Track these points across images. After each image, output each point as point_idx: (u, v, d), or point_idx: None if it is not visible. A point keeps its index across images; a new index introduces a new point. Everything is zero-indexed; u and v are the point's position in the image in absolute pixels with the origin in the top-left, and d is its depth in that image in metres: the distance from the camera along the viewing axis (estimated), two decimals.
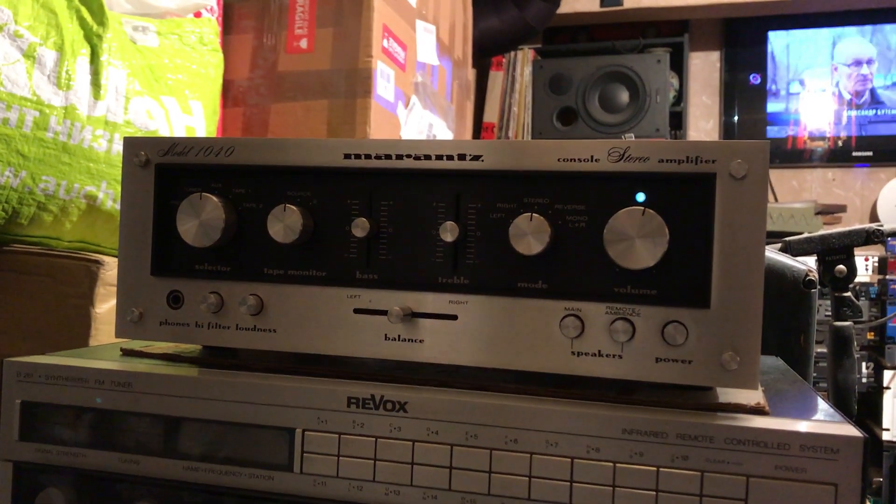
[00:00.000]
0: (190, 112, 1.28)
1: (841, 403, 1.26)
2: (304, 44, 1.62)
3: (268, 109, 1.64)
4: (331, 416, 0.54)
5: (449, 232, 0.55)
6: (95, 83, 1.12)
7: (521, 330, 0.55)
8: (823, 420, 0.50)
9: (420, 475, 0.52)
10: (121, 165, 1.15)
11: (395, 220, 0.58)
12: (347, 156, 0.58)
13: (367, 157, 0.58)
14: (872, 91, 3.42)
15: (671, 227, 0.52)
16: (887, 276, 2.28)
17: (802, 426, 0.48)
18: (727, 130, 3.64)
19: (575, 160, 0.54)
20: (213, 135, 1.36)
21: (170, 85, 1.25)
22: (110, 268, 1.09)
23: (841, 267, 1.27)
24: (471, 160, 0.56)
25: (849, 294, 1.28)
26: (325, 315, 0.59)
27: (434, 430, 0.53)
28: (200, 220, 0.59)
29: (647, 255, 0.51)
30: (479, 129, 3.23)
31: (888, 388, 2.21)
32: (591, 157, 0.54)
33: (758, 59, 3.62)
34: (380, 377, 0.57)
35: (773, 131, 3.61)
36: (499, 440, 0.52)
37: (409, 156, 0.57)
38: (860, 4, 3.37)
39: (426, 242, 0.57)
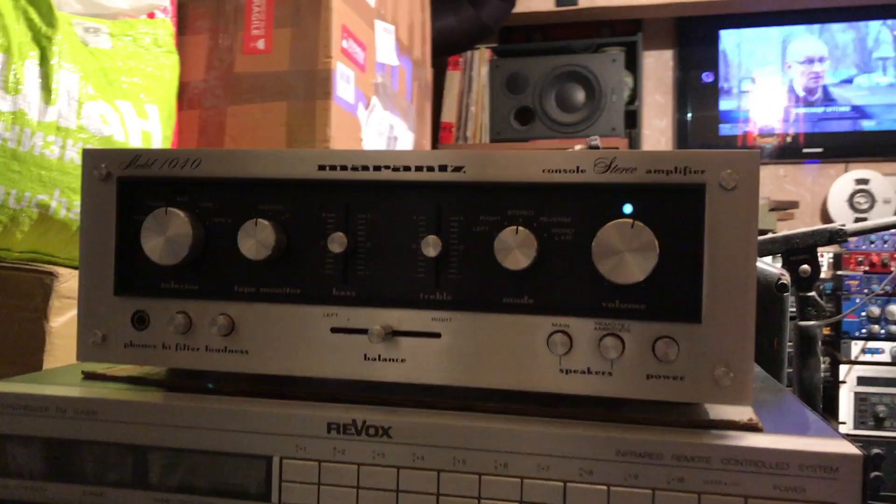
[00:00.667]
0: (146, 116, 1.23)
1: (807, 402, 1.26)
2: (261, 44, 1.58)
3: (224, 111, 1.59)
4: (310, 442, 0.52)
5: (431, 246, 0.53)
6: (46, 87, 1.07)
7: (506, 347, 0.53)
8: (820, 437, 0.49)
9: (406, 503, 0.50)
10: (75, 173, 1.11)
11: (374, 234, 0.55)
12: (322, 167, 0.55)
13: (343, 168, 0.55)
14: (825, 88, 3.47)
15: (660, 239, 0.50)
16: (842, 273, 2.31)
17: (799, 444, 0.47)
18: (680, 128, 3.67)
19: (560, 171, 0.52)
20: (170, 139, 1.32)
21: (124, 88, 1.21)
22: (65, 279, 1.04)
23: (805, 267, 1.27)
24: (452, 171, 0.54)
25: (813, 294, 1.28)
26: (300, 335, 0.56)
27: (420, 455, 0.50)
28: (166, 237, 0.56)
29: (637, 270, 0.50)
30: (437, 129, 3.20)
31: (843, 382, 2.25)
32: (577, 167, 0.52)
33: (710, 57, 3.66)
34: (360, 399, 0.55)
35: (725, 129, 3.65)
36: (488, 464, 0.50)
37: (387, 167, 0.55)
38: (809, 4, 3.42)
39: (406, 257, 0.55)
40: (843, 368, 2.25)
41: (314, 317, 0.56)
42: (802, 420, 0.56)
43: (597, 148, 1.43)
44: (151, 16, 1.41)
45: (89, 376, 0.62)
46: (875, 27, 3.46)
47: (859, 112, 3.48)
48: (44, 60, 1.09)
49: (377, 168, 0.55)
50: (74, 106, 1.11)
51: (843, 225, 1.27)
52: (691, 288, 0.51)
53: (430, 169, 0.54)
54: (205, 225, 0.57)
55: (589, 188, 0.52)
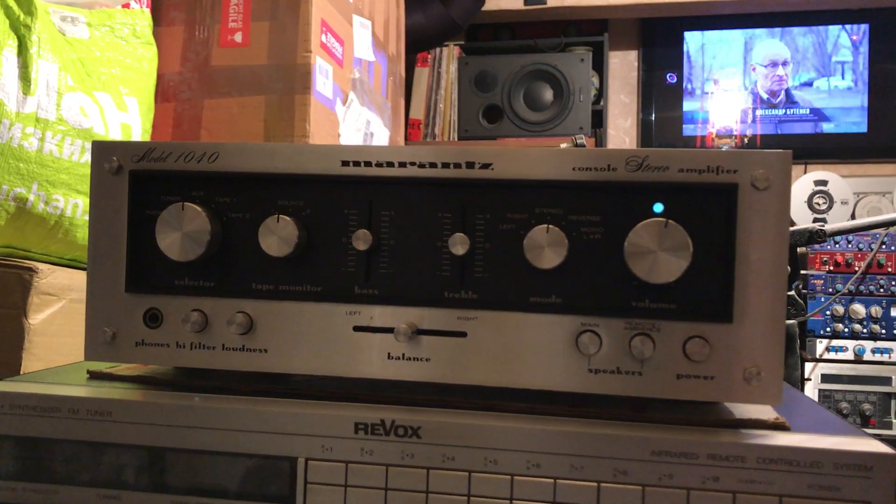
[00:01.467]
0: (125, 108, 1.20)
1: None
2: (238, 37, 1.56)
3: (200, 105, 1.56)
4: (337, 443, 0.51)
5: (459, 244, 0.52)
6: (24, 77, 1.04)
7: (534, 347, 0.53)
8: (850, 436, 0.49)
9: None
10: (53, 166, 1.08)
11: (397, 231, 0.54)
12: (345, 163, 0.54)
13: (367, 164, 0.54)
14: (787, 91, 3.53)
15: (691, 239, 0.50)
16: (806, 272, 2.36)
17: (833, 443, 0.47)
18: (644, 128, 3.70)
19: (591, 169, 0.52)
20: (149, 132, 1.29)
21: (103, 80, 1.18)
22: (45, 275, 1.01)
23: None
24: (480, 168, 0.53)
25: (792, 293, 1.30)
26: (321, 333, 0.55)
27: (450, 455, 0.50)
28: (183, 232, 0.54)
29: (670, 270, 0.50)
30: (405, 125, 3.19)
31: (808, 379, 2.29)
32: (608, 166, 0.52)
33: (674, 58, 3.70)
34: (387, 399, 0.54)
35: (689, 129, 3.69)
36: (519, 465, 0.49)
37: (412, 163, 0.54)
38: (771, 7, 3.48)
39: (431, 255, 0.54)
40: (808, 366, 2.29)
41: (336, 315, 0.55)
42: (823, 418, 0.57)
43: (582, 146, 1.44)
44: (126, 6, 1.38)
45: (95, 375, 0.60)
46: (834, 31, 3.53)
47: (818, 115, 3.55)
48: (22, 49, 1.05)
49: (402, 164, 0.54)
50: (54, 97, 1.08)
51: (823, 225, 1.29)
52: (723, 287, 0.51)
53: (458, 166, 0.53)
54: (222, 220, 0.56)
55: (620, 187, 0.52)
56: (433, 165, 0.53)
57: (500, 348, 0.53)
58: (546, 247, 0.51)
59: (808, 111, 3.56)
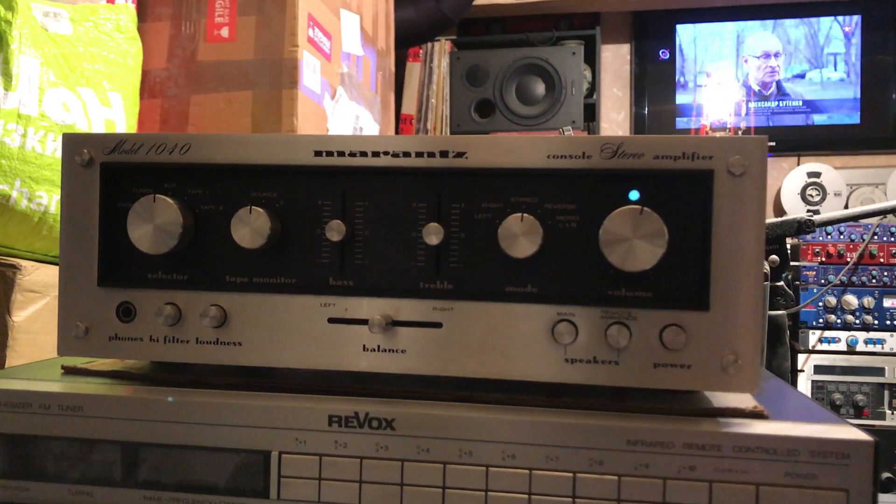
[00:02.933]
0: (109, 104, 1.20)
1: None
2: (224, 32, 1.55)
3: (187, 101, 1.55)
4: (310, 436, 0.50)
5: (433, 234, 0.51)
6: (6, 73, 1.03)
7: (510, 337, 0.52)
8: (827, 423, 0.49)
9: (411, 497, 0.49)
10: (36, 162, 1.07)
11: (372, 221, 0.54)
12: (318, 153, 0.54)
13: (340, 154, 0.53)
14: (778, 83, 3.53)
15: (667, 226, 0.49)
16: (799, 263, 2.35)
17: (809, 431, 0.47)
18: (638, 122, 3.70)
19: (565, 157, 0.51)
20: (134, 128, 1.28)
21: (86, 75, 1.17)
22: (28, 272, 1.01)
23: (774, 257, 1.29)
24: (454, 157, 0.52)
25: (782, 283, 1.30)
26: (296, 325, 0.54)
27: (425, 447, 0.49)
28: (155, 225, 0.54)
29: (646, 257, 0.49)
30: (397, 121, 3.18)
31: (801, 370, 2.29)
32: (583, 153, 0.51)
33: (666, 51, 3.69)
34: (361, 391, 0.53)
35: (682, 122, 3.68)
36: (495, 456, 0.48)
37: (386, 153, 0.53)
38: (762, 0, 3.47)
39: (406, 246, 0.53)
40: (801, 357, 2.29)
41: (310, 307, 0.54)
42: (802, 406, 0.56)
43: None
44: (112, 1, 1.37)
45: (69, 371, 0.59)
46: (826, 23, 3.52)
47: (811, 106, 3.54)
48: (3, 45, 1.05)
49: (376, 154, 0.53)
50: (36, 93, 1.07)
51: (812, 215, 1.28)
52: (699, 275, 0.50)
53: (431, 155, 0.53)
54: (195, 213, 0.55)
55: (595, 174, 0.51)
56: (407, 154, 0.53)
57: (477, 339, 0.52)
58: (520, 235, 0.50)
59: (800, 103, 3.56)
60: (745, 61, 3.59)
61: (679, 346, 0.50)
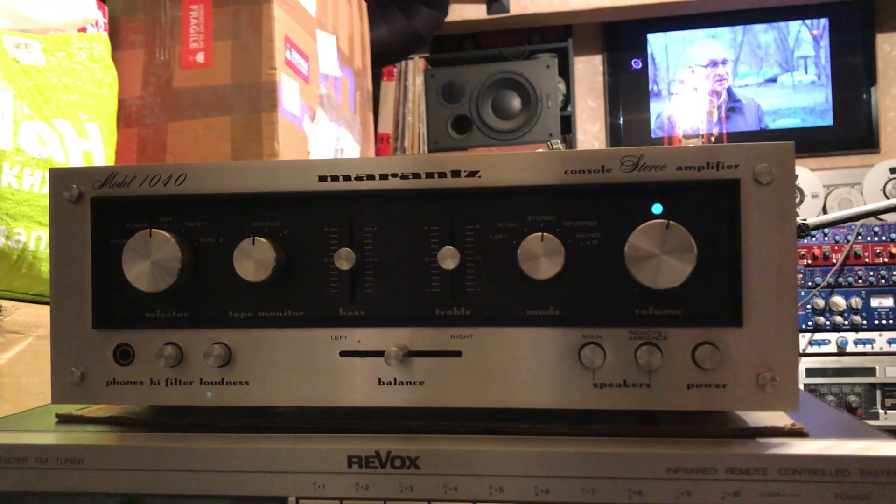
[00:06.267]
0: (86, 136, 1.16)
1: None
2: (200, 58, 1.52)
3: (164, 129, 1.52)
4: (329, 478, 0.47)
5: (449, 258, 0.49)
6: None
7: (534, 363, 0.49)
8: (871, 439, 0.46)
9: None
10: (13, 198, 1.03)
11: (382, 248, 0.51)
12: (322, 178, 0.51)
13: (346, 178, 0.51)
14: (749, 88, 3.54)
15: (694, 240, 0.47)
16: None
17: (856, 448, 0.45)
18: (613, 132, 3.70)
19: (584, 171, 0.49)
20: (112, 158, 1.25)
21: (62, 107, 1.13)
22: (9, 312, 0.97)
23: None
24: (466, 176, 0.50)
25: None
26: (306, 361, 0.51)
27: (452, 485, 0.46)
28: (152, 261, 0.51)
29: (676, 273, 0.47)
30: (374, 140, 3.15)
31: None
32: (602, 167, 0.49)
33: (638, 61, 3.70)
34: (380, 428, 0.50)
35: (657, 132, 3.69)
36: (527, 492, 0.46)
37: (394, 175, 0.50)
38: (731, 6, 3.49)
39: (419, 271, 0.51)
40: None
41: (321, 341, 0.51)
42: (839, 421, 0.54)
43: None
44: (83, 30, 1.33)
45: (64, 419, 0.56)
46: (795, 27, 3.55)
47: (784, 110, 3.56)
48: None
49: (384, 177, 0.50)
50: (10, 127, 1.04)
51: (805, 219, 1.27)
52: (730, 290, 0.48)
53: (442, 175, 0.50)
54: (193, 246, 0.52)
55: (616, 189, 0.49)
56: (416, 176, 0.50)
57: (498, 367, 0.50)
58: (542, 256, 0.48)
59: (772, 107, 3.58)
60: (714, 67, 3.61)
61: (713, 364, 0.47)
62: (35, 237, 1.05)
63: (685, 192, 0.48)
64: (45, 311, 1.01)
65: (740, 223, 0.47)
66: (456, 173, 0.50)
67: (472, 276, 0.50)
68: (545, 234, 0.48)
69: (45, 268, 1.07)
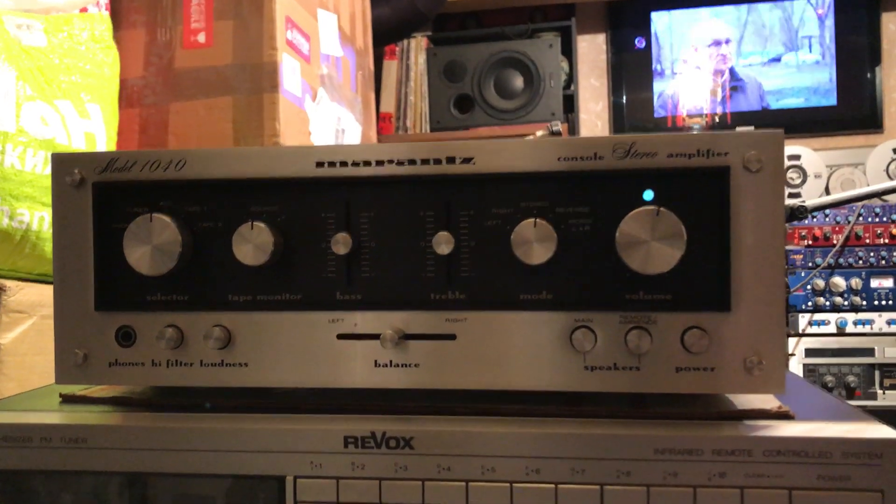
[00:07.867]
0: (88, 116, 1.17)
1: None
2: (201, 38, 1.52)
3: (166, 109, 1.52)
4: (326, 458, 0.48)
5: (444, 243, 0.50)
6: None
7: (527, 347, 0.50)
8: (857, 422, 0.47)
9: None
10: (16, 179, 1.04)
11: (378, 233, 0.52)
12: (320, 164, 0.52)
13: (343, 164, 0.52)
14: (753, 67, 3.53)
15: (684, 225, 0.48)
16: (787, 248, 2.35)
17: (840, 431, 0.46)
18: (616, 111, 3.69)
19: (577, 158, 0.50)
20: (114, 140, 1.25)
21: (64, 88, 1.14)
22: (13, 292, 0.98)
23: None
24: (461, 163, 0.51)
25: None
26: (303, 343, 0.52)
27: (445, 465, 0.47)
28: (153, 245, 0.52)
29: (665, 259, 0.48)
30: (377, 119, 3.15)
31: (793, 354, 2.30)
32: (595, 154, 0.50)
33: (642, 39, 3.69)
34: (376, 409, 0.51)
35: (660, 111, 3.68)
36: (518, 471, 0.47)
37: (390, 161, 0.51)
38: None
39: (415, 256, 0.52)
40: (791, 341, 2.29)
41: (318, 323, 0.52)
42: (826, 404, 0.55)
43: (558, 134, 1.42)
44: (84, 10, 1.34)
45: (67, 399, 0.57)
46: (800, 6, 3.53)
47: (787, 89, 3.55)
48: None
49: (380, 163, 0.51)
50: (13, 108, 1.05)
51: (804, 200, 1.28)
52: (719, 275, 0.49)
53: (438, 161, 0.51)
54: (193, 231, 0.53)
55: (607, 175, 0.50)
56: (412, 162, 0.51)
57: (492, 349, 0.51)
58: (534, 241, 0.49)
59: (776, 86, 3.56)
60: (718, 46, 3.60)
61: (701, 348, 0.48)
62: (38, 217, 1.06)
63: (676, 179, 0.49)
64: (48, 290, 1.02)
65: (730, 210, 0.48)
66: (451, 160, 0.51)
67: (466, 261, 0.51)
68: (538, 220, 0.49)
69: (48, 248, 1.08)
